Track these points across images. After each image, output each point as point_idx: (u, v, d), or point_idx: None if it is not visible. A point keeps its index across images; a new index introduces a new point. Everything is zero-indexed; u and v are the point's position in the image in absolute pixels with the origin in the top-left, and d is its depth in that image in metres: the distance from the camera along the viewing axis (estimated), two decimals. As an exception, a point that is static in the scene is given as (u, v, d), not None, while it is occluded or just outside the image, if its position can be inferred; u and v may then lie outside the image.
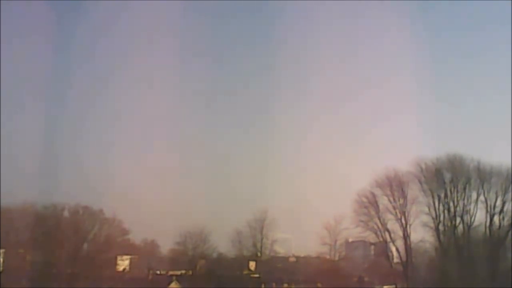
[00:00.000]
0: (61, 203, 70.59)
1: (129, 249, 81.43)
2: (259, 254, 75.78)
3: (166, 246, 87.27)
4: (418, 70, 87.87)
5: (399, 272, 67.35)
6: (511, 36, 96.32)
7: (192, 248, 75.19)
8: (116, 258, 77.03)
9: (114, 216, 71.79)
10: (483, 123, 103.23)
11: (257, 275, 75.05)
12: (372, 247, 77.91)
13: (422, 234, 66.62)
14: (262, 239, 75.02)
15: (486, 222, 64.74)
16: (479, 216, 64.97)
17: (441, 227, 65.73)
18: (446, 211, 65.52)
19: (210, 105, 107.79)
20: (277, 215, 74.67)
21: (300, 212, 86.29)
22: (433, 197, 65.62)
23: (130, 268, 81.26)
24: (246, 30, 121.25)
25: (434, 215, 65.48)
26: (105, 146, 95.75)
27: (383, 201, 66.91)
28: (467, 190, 65.12)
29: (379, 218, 66.93)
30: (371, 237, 70.35)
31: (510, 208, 64.54)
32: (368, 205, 67.23)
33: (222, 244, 76.45)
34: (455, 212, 65.32)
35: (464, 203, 65.12)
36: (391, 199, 66.44)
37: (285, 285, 75.66)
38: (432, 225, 65.77)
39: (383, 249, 69.17)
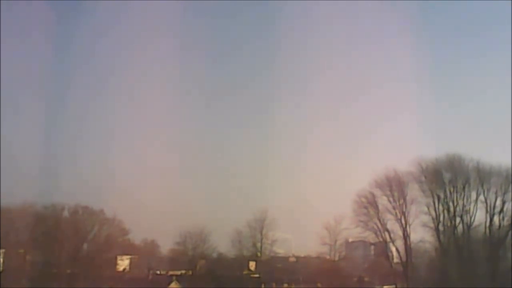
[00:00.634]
0: (61, 203, 70.82)
1: (129, 249, 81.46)
2: (259, 254, 75.79)
3: (166, 246, 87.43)
4: (418, 71, 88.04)
5: (399, 272, 67.33)
6: (511, 36, 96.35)
7: (192, 248, 75.23)
8: (116, 258, 77.09)
9: (114, 216, 71.99)
10: (483, 123, 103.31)
11: (257, 275, 75.07)
12: (372, 247, 77.92)
13: (422, 234, 66.74)
14: (262, 239, 75.09)
15: (486, 222, 64.79)
16: (479, 216, 65.09)
17: (441, 227, 65.75)
18: (446, 211, 65.53)
19: (210, 105, 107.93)
20: (277, 215, 74.84)
21: (300, 212, 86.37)
22: (433, 197, 65.63)
23: (130, 268, 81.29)
24: (246, 30, 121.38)
25: (434, 215, 65.54)
26: (105, 146, 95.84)
27: (383, 201, 67.03)
28: (466, 190, 65.14)
29: (379, 218, 66.97)
30: (371, 237, 70.41)
31: (510, 208, 64.62)
32: (368, 205, 67.26)
33: (222, 244, 76.61)
34: (455, 212, 65.31)
35: (463, 203, 65.14)
36: (391, 199, 66.48)
37: (285, 285, 75.67)
38: (432, 225, 65.82)
39: (383, 249, 69.17)
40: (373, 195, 67.11)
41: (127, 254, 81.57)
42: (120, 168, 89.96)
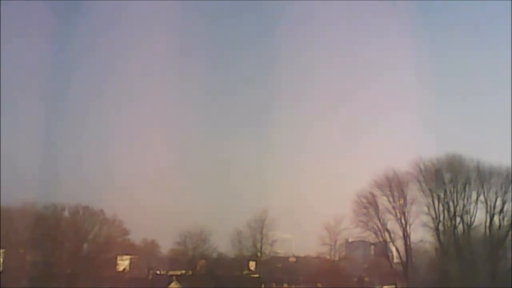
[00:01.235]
0: (61, 203, 70.74)
1: (129, 249, 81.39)
2: (259, 254, 75.77)
3: (166, 246, 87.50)
4: (418, 70, 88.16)
5: (399, 272, 67.33)
6: (511, 36, 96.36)
7: (192, 248, 75.29)
8: (116, 258, 77.01)
9: (114, 216, 71.94)
10: (483, 123, 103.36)
11: (257, 275, 75.06)
12: (372, 247, 77.91)
13: (422, 234, 66.74)
14: (262, 239, 75.07)
15: (486, 222, 64.75)
16: (479, 216, 65.08)
17: (441, 227, 65.73)
18: (446, 211, 65.51)
19: (210, 105, 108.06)
20: (277, 215, 74.83)
21: (300, 212, 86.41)
22: (432, 197, 65.62)
23: (130, 268, 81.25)
24: (246, 30, 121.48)
25: (434, 215, 65.52)
26: (105, 146, 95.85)
27: (383, 201, 67.01)
28: (467, 190, 65.11)
29: (379, 218, 66.97)
30: (371, 237, 70.42)
31: (510, 208, 64.62)
32: (368, 205, 67.27)
33: (222, 244, 76.64)
34: (455, 212, 65.30)
35: (464, 203, 65.11)
36: (391, 199, 66.48)
37: (285, 285, 75.68)
38: (432, 225, 65.81)
39: (383, 249, 69.16)
40: (373, 195, 67.20)
41: (127, 254, 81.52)
42: (120, 168, 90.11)
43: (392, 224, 66.78)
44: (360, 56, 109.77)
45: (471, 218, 65.24)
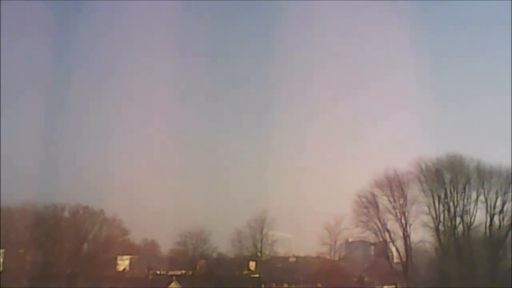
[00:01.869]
0: (61, 203, 70.78)
1: (129, 249, 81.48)
2: (259, 254, 75.76)
3: (166, 246, 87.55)
4: (418, 70, 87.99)
5: (399, 272, 67.25)
6: (511, 36, 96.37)
7: (192, 248, 75.32)
8: (116, 258, 77.13)
9: (114, 216, 72.00)
10: (483, 123, 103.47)
11: (257, 275, 75.08)
12: (372, 247, 77.84)
13: (422, 234, 66.55)
14: (262, 239, 75.02)
15: (486, 222, 64.63)
16: (479, 216, 64.92)
17: (441, 227, 65.66)
18: (446, 211, 65.44)
19: (210, 105, 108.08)
20: (277, 215, 74.79)
21: (300, 212, 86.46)
22: (433, 197, 65.54)
23: (130, 268, 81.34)
24: (246, 30, 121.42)
25: (434, 215, 65.42)
26: (105, 146, 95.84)
27: (383, 201, 66.82)
28: (467, 190, 65.02)
29: (379, 218, 66.86)
30: (371, 237, 70.28)
31: (510, 208, 64.45)
32: (368, 205, 67.15)
33: (222, 244, 76.63)
34: (455, 212, 65.25)
35: (464, 203, 65.02)
36: (391, 199, 66.34)
37: (285, 285, 75.69)
38: (432, 225, 65.71)
39: (383, 249, 69.09)
40: (373, 195, 67.04)
41: (127, 254, 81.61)
42: (120, 168, 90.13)
43: (392, 224, 66.76)
44: (360, 56, 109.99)
45: (471, 218, 65.21)
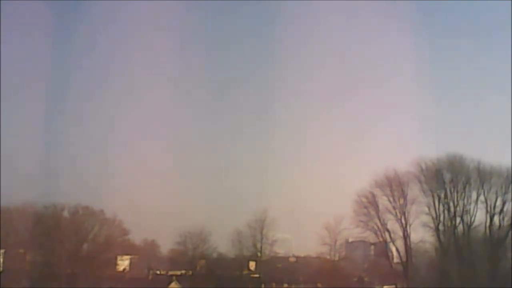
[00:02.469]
0: (61, 203, 70.73)
1: (129, 249, 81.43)
2: (259, 254, 75.72)
3: (166, 246, 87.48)
4: (418, 70, 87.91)
5: (399, 272, 67.29)
6: (511, 36, 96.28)
7: (192, 248, 75.32)
8: (116, 258, 77.07)
9: (114, 216, 71.94)
10: (483, 123, 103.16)
11: (257, 275, 75.06)
12: (372, 247, 77.89)
13: (422, 234, 66.62)
14: (262, 239, 74.96)
15: (486, 222, 64.71)
16: (479, 216, 64.99)
17: (441, 227, 65.69)
18: (446, 211, 65.48)
19: (210, 105, 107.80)
20: (277, 215, 74.67)
21: (300, 212, 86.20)
22: (433, 197, 65.59)
23: (130, 268, 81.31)
24: (246, 29, 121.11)
25: (434, 215, 65.47)
26: (105, 146, 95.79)
27: (383, 201, 66.87)
28: (467, 190, 65.06)
29: (379, 218, 66.89)
30: (371, 237, 70.35)
31: (510, 208, 64.55)
32: (368, 205, 67.17)
33: (222, 244, 76.56)
34: (455, 212, 65.29)
35: (464, 203, 65.08)
36: (391, 199, 66.38)
37: (285, 285, 75.72)
38: (432, 225, 65.76)
39: (383, 249, 69.13)
40: (373, 195, 67.07)
41: (127, 254, 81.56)
42: (120, 168, 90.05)
43: (392, 224, 66.81)
44: (360, 56, 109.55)
45: (471, 218, 65.27)
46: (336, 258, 77.25)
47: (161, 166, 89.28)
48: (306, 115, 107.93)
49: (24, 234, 67.56)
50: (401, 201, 66.12)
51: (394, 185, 66.52)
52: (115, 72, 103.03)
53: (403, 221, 65.88)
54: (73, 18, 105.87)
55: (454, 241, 65.94)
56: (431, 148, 77.27)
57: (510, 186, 64.28)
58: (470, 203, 65.01)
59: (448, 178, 65.92)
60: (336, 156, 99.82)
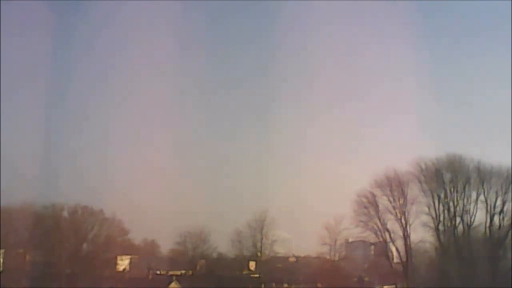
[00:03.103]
0: (60, 203, 70.74)
1: (129, 249, 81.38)
2: (259, 254, 75.74)
3: (166, 246, 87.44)
4: (418, 70, 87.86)
5: (399, 272, 67.26)
6: (511, 36, 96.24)
7: (192, 248, 75.36)
8: (116, 258, 77.03)
9: (114, 216, 71.91)
10: (483, 123, 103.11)
11: (257, 275, 75.11)
12: (372, 247, 77.86)
13: (422, 234, 66.60)
14: (262, 239, 75.00)
15: (486, 222, 64.69)
16: (479, 216, 64.96)
17: (441, 227, 65.69)
18: (446, 211, 65.47)
19: (210, 105, 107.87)
20: (277, 215, 74.73)
21: (300, 212, 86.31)
22: (433, 197, 65.56)
23: (130, 268, 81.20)
24: (246, 29, 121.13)
25: (434, 215, 65.46)
26: (105, 146, 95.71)
27: (383, 201, 66.85)
28: (467, 190, 65.06)
29: (379, 218, 66.87)
30: (371, 237, 70.31)
31: (510, 208, 64.52)
32: (368, 205, 67.15)
33: (222, 244, 76.61)
34: (455, 212, 65.28)
35: (464, 203, 65.06)
36: (391, 199, 66.37)
37: (285, 285, 75.72)
38: (432, 225, 65.75)
39: (383, 249, 69.11)
40: (373, 195, 67.05)
41: (127, 254, 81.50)
42: (120, 168, 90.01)
43: (392, 224, 66.78)
44: (360, 56, 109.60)
45: (471, 218, 65.26)
46: (336, 258, 77.28)
47: (161, 166, 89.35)
48: (306, 115, 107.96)
49: (24, 234, 67.49)
50: (401, 201, 66.13)
51: (394, 185, 66.52)
52: (115, 72, 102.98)
53: (403, 221, 65.90)
54: (73, 18, 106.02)
55: (454, 241, 65.93)
56: (431, 148, 77.03)
57: (510, 186, 64.28)
58: (470, 203, 65.06)
59: (448, 178, 65.93)
60: (336, 156, 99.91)
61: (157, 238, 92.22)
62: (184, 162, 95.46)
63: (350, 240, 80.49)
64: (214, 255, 77.18)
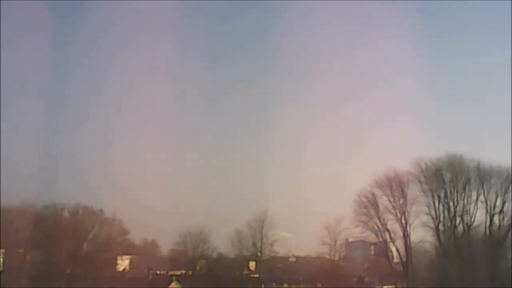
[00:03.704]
0: (61, 203, 70.78)
1: (129, 249, 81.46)
2: (259, 254, 75.70)
3: (166, 246, 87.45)
4: (418, 70, 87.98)
5: (399, 272, 67.26)
6: (511, 36, 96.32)
7: (192, 248, 75.29)
8: (116, 258, 77.10)
9: (114, 216, 72.00)
10: (483, 123, 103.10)
11: (257, 275, 75.08)
12: (372, 247, 77.89)
13: (422, 234, 66.62)
14: (262, 239, 74.90)
15: (486, 222, 64.68)
16: (479, 216, 64.96)
17: (441, 227, 65.69)
18: (446, 211, 65.48)
19: (210, 105, 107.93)
20: (277, 215, 74.66)
21: (300, 212, 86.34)
22: (433, 197, 65.57)
23: (130, 268, 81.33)
24: (247, 30, 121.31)
25: (434, 215, 65.47)
26: (105, 146, 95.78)
27: (383, 201, 66.86)
28: (467, 190, 65.05)
29: (379, 218, 66.87)
30: (371, 237, 70.30)
31: (510, 208, 64.51)
32: (368, 205, 67.15)
33: (222, 244, 76.51)
34: (455, 212, 65.29)
35: (464, 203, 65.08)
36: (391, 199, 66.38)
37: (285, 285, 75.77)
38: (432, 225, 65.76)
39: (383, 249, 69.12)
40: (374, 195, 67.06)
41: (127, 254, 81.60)
42: (120, 168, 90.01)
43: (392, 224, 66.78)
44: (360, 56, 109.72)
45: (471, 218, 65.25)
46: (336, 258, 77.25)
47: (161, 166, 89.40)
48: (306, 115, 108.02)
49: (24, 234, 67.51)
50: (401, 201, 66.13)
51: (394, 185, 66.53)
52: (115, 72, 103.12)
53: (403, 221, 65.91)
54: (73, 18, 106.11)
55: (454, 241, 65.94)
56: (431, 148, 77.35)
57: (510, 186, 64.27)
58: (470, 203, 65.06)
59: (448, 178, 65.94)
60: (336, 156, 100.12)
61: (157, 238, 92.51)
62: (184, 162, 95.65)
63: (350, 240, 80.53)
64: (214, 255, 77.17)
